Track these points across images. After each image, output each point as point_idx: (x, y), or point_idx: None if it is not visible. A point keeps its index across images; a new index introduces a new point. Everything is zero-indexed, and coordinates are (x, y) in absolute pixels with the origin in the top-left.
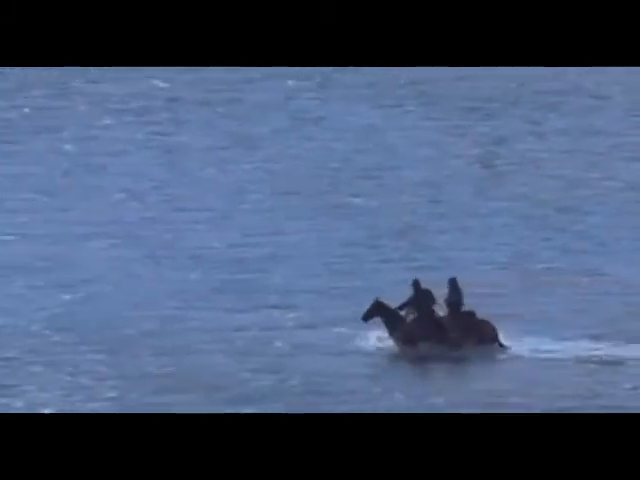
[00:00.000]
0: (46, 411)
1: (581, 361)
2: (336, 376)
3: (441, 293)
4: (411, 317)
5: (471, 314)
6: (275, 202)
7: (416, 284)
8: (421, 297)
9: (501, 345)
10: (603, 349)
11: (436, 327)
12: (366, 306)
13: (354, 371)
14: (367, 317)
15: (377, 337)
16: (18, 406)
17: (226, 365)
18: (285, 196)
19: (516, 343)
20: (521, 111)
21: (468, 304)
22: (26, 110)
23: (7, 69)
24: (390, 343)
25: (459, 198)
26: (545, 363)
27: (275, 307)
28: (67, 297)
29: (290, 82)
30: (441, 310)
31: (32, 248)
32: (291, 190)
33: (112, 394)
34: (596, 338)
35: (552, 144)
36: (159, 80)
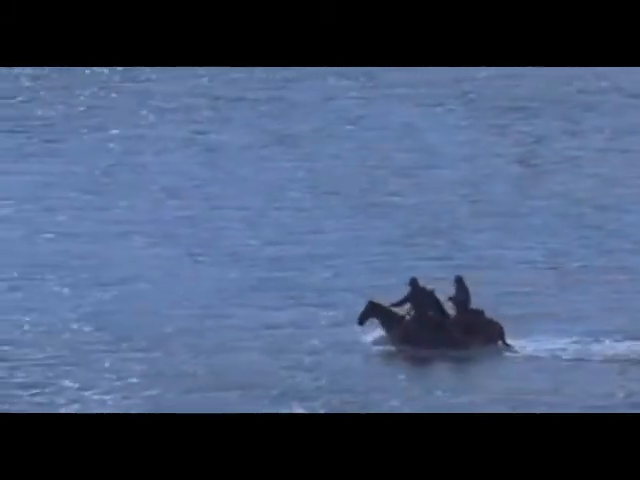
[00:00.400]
0: (83, 410)
1: (617, 360)
2: (372, 375)
3: (473, 291)
4: (409, 316)
5: (479, 312)
6: (313, 201)
7: (414, 282)
8: (419, 296)
9: (506, 344)
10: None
11: (433, 326)
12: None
13: (390, 370)
14: (362, 319)
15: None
16: (57, 404)
17: (262, 363)
18: (323, 195)
19: (550, 341)
20: (560, 110)
21: (504, 302)
22: (71, 109)
23: (54, 69)
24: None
25: (497, 197)
26: (579, 362)
27: (312, 305)
28: (105, 295)
29: (332, 81)
30: (449, 309)
31: (71, 246)
32: (329, 189)
33: (149, 392)
34: (632, 337)
35: (590, 143)
36: (204, 79)
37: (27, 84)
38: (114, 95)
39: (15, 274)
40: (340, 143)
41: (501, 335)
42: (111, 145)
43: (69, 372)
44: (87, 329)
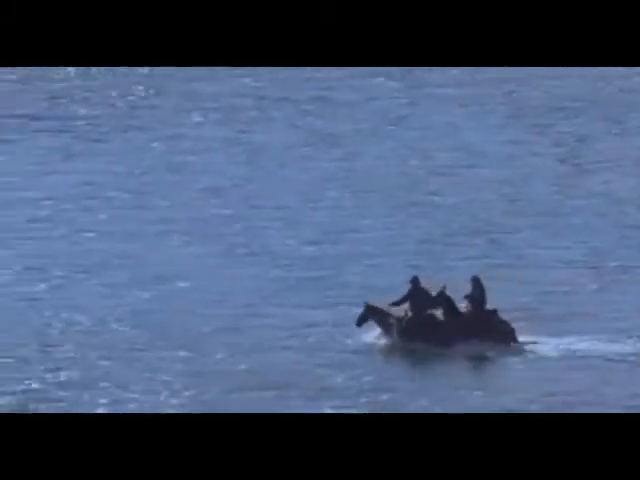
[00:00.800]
0: (122, 409)
1: None
2: (407, 374)
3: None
4: (407, 316)
5: (493, 312)
6: (353, 200)
7: (414, 281)
8: (419, 295)
9: (517, 342)
10: None
11: (431, 325)
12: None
13: (427, 369)
14: (360, 322)
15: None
16: (96, 404)
17: (299, 362)
18: (363, 194)
19: (589, 341)
20: (603, 110)
21: (542, 301)
22: (117, 109)
23: (101, 69)
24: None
25: (538, 196)
26: (618, 362)
27: (350, 304)
28: (144, 294)
29: (376, 81)
30: (464, 307)
31: (111, 245)
32: (369, 188)
33: (188, 392)
34: None
35: (632, 142)
36: (249, 79)
37: (74, 84)
38: (160, 95)
39: (56, 273)
40: (382, 143)
41: (513, 336)
42: (154, 144)
43: (108, 371)
44: (126, 328)
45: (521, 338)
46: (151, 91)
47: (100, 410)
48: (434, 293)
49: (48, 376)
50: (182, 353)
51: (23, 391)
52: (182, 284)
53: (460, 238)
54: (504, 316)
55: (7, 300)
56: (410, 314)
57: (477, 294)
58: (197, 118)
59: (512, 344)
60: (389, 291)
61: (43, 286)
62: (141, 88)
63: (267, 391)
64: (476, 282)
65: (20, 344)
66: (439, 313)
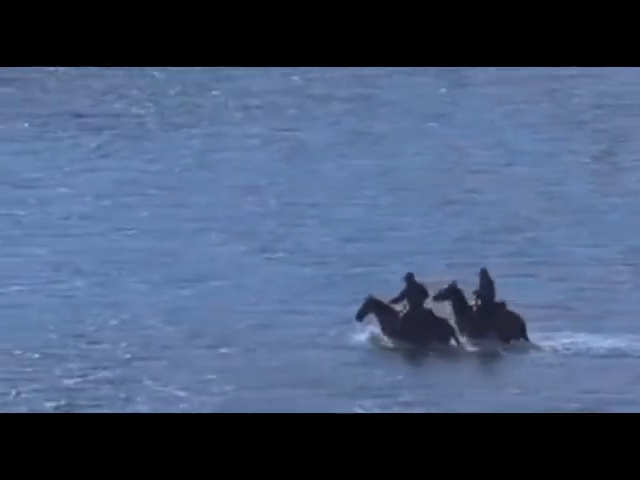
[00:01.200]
0: (160, 406)
1: None
2: (445, 372)
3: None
4: (404, 312)
5: (501, 305)
6: (391, 197)
7: (409, 278)
8: (414, 291)
9: (526, 339)
10: None
11: (426, 321)
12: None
13: (463, 367)
14: (361, 315)
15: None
16: (134, 401)
17: (336, 360)
18: (401, 191)
19: (623, 339)
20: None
21: (578, 299)
22: (161, 107)
23: (146, 69)
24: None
25: (575, 194)
26: None
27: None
28: (182, 292)
29: (419, 79)
30: (473, 302)
31: (150, 243)
32: (408, 186)
33: (223, 389)
34: None
35: None
36: (295, 77)
37: (117, 82)
38: (202, 93)
39: (95, 270)
40: (421, 141)
41: (522, 330)
42: (194, 142)
43: (146, 368)
44: (164, 325)
45: (556, 335)
46: (193, 89)
47: (138, 408)
48: (444, 287)
49: (85, 374)
50: (219, 350)
51: (61, 389)
52: (219, 282)
53: (497, 235)
54: (539, 313)
55: (45, 297)
56: (407, 310)
57: (486, 287)
58: (239, 116)
59: (521, 340)
60: (427, 288)
61: (81, 283)
62: (183, 86)
63: (299, 389)
64: (484, 275)
65: (57, 341)
66: (448, 308)
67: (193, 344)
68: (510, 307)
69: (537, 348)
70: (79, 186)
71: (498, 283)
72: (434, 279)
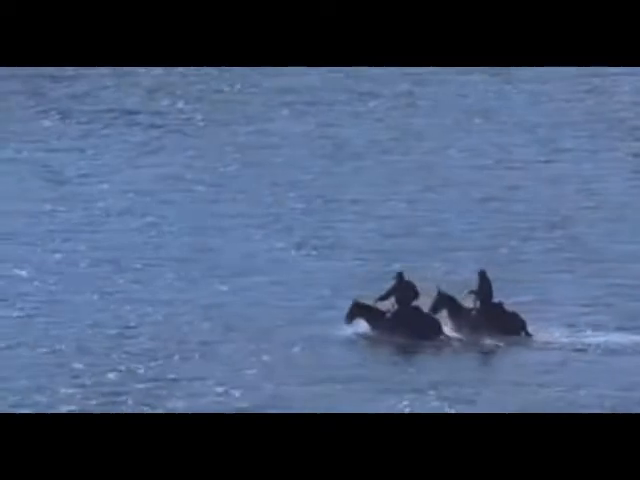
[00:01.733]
0: (199, 403)
1: None
2: (475, 369)
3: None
4: (392, 311)
5: (499, 305)
6: (431, 194)
7: (399, 277)
8: (403, 290)
9: (528, 334)
10: None
11: (414, 319)
12: (523, 296)
13: (510, 365)
14: (349, 319)
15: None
16: (173, 396)
17: (375, 357)
18: (441, 188)
19: None
20: None
21: (617, 295)
22: (209, 104)
23: (190, 69)
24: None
25: (614, 191)
26: None
27: (426, 297)
28: (221, 287)
29: (465, 77)
30: (471, 301)
31: (190, 239)
32: (448, 182)
33: (263, 384)
34: None
35: None
36: (340, 73)
37: (169, 80)
38: (247, 90)
39: (135, 266)
40: (463, 137)
41: (523, 327)
42: (238, 139)
43: (184, 364)
44: (202, 321)
45: (594, 331)
46: (238, 86)
47: (176, 404)
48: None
49: (124, 370)
50: (256, 346)
51: (100, 384)
52: (258, 277)
53: (536, 232)
54: (577, 310)
55: (84, 293)
56: (395, 308)
57: (483, 288)
58: (284, 113)
59: (523, 335)
60: (466, 285)
61: (123, 279)
62: (229, 84)
63: (338, 385)
64: (482, 276)
65: (96, 337)
66: (444, 313)
67: (231, 339)
68: (545, 304)
69: (573, 345)
70: (122, 182)
71: (538, 279)
72: (471, 276)
